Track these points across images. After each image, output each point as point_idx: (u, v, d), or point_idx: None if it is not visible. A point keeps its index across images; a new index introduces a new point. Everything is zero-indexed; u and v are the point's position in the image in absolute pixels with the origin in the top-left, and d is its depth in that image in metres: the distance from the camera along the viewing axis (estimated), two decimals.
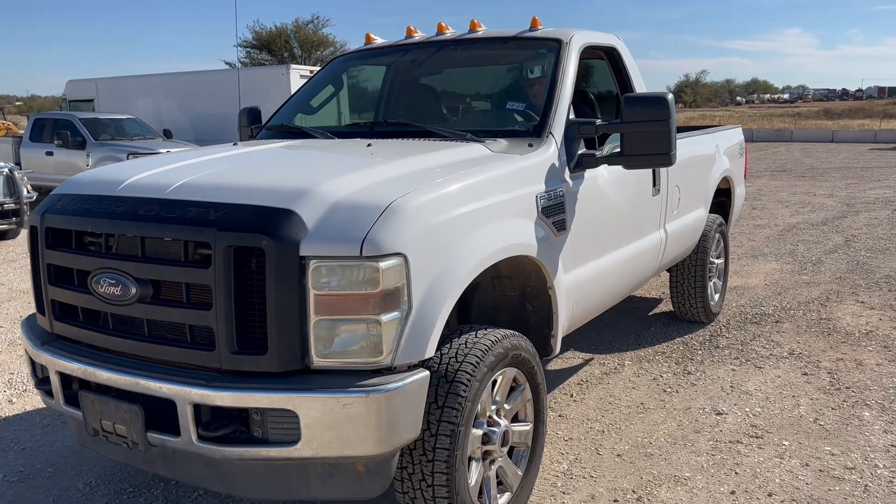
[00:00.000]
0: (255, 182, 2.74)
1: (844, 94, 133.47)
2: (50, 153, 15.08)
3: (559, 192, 3.39)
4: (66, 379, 2.91)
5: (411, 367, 2.59)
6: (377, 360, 2.50)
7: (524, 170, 3.24)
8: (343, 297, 2.45)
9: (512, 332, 3.07)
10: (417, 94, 4.38)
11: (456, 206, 2.77)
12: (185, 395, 2.50)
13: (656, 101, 3.37)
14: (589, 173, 3.67)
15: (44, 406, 4.71)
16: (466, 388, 2.73)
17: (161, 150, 14.00)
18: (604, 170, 3.80)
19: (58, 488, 3.70)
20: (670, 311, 6.48)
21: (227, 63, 39.92)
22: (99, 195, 2.85)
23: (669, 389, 4.76)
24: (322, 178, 2.69)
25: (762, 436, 4.08)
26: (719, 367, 5.16)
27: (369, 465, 2.62)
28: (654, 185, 4.45)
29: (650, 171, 4.36)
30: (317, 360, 2.49)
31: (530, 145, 3.44)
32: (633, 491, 3.52)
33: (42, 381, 3.05)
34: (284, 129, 4.20)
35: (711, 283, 6.10)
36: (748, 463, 3.77)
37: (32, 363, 3.18)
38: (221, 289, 2.44)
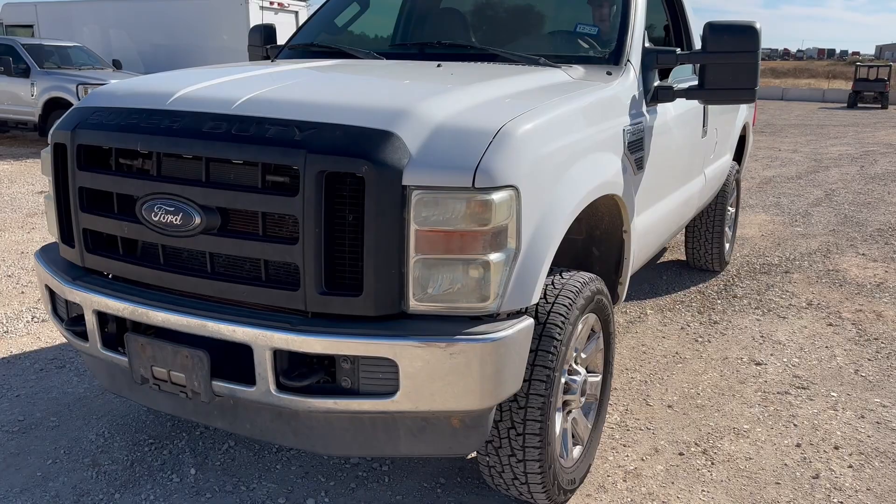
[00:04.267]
0: (339, 100, 2.37)
1: (786, 54, 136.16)
2: None
3: (641, 127, 3.12)
4: (103, 319, 2.54)
5: (511, 315, 2.32)
6: (482, 305, 2.21)
7: (611, 100, 2.96)
8: (449, 233, 2.14)
9: (594, 275, 2.82)
10: (468, 14, 3.97)
11: (560, 135, 2.48)
12: (266, 339, 2.18)
13: (745, 30, 3.10)
14: (661, 108, 3.40)
15: (32, 349, 4.29)
16: (561, 332, 2.49)
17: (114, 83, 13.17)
18: (671, 106, 3.54)
19: (66, 439, 3.34)
20: (677, 259, 6.35)
21: None
22: (147, 109, 2.44)
23: (701, 339, 4.62)
24: (417, 97, 2.34)
25: (808, 387, 3.97)
26: (743, 316, 5.04)
27: (465, 419, 2.35)
28: (704, 125, 4.21)
29: (702, 111, 4.12)
30: (414, 304, 2.20)
31: (609, 73, 3.14)
32: (696, 444, 3.36)
33: (73, 322, 2.67)
34: (314, 49, 3.76)
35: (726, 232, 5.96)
36: (803, 415, 3.65)
37: (53, 300, 2.80)
38: (311, 220, 2.11)
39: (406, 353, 2.14)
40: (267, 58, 3.97)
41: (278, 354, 2.21)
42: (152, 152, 2.33)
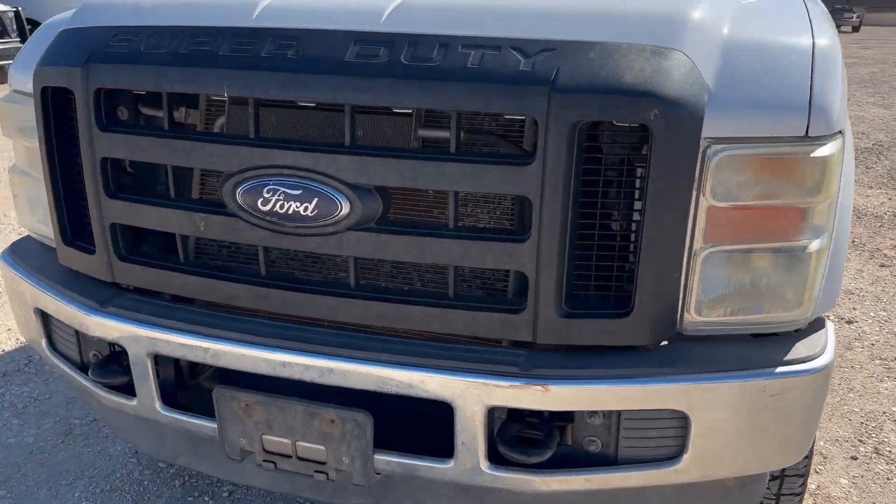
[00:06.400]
0: (559, 1, 1.42)
1: None
2: None
3: None
4: (158, 365, 1.57)
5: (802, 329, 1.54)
6: (794, 315, 1.43)
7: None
8: (759, 210, 1.34)
9: None
10: None
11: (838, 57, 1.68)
12: (480, 393, 1.33)
13: None
14: None
15: None
16: None
17: None
18: None
19: None
20: None
21: None
22: (222, 27, 1.41)
23: None
24: None
25: None
26: None
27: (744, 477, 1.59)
28: None
29: None
30: (693, 321, 1.40)
31: None
32: (860, 440, 2.75)
33: (104, 369, 1.63)
34: None
35: None
36: None
37: (50, 333, 1.77)
38: (556, 203, 1.24)
39: (704, 400, 1.34)
40: None
41: (494, 413, 1.37)
42: (247, 99, 1.34)
